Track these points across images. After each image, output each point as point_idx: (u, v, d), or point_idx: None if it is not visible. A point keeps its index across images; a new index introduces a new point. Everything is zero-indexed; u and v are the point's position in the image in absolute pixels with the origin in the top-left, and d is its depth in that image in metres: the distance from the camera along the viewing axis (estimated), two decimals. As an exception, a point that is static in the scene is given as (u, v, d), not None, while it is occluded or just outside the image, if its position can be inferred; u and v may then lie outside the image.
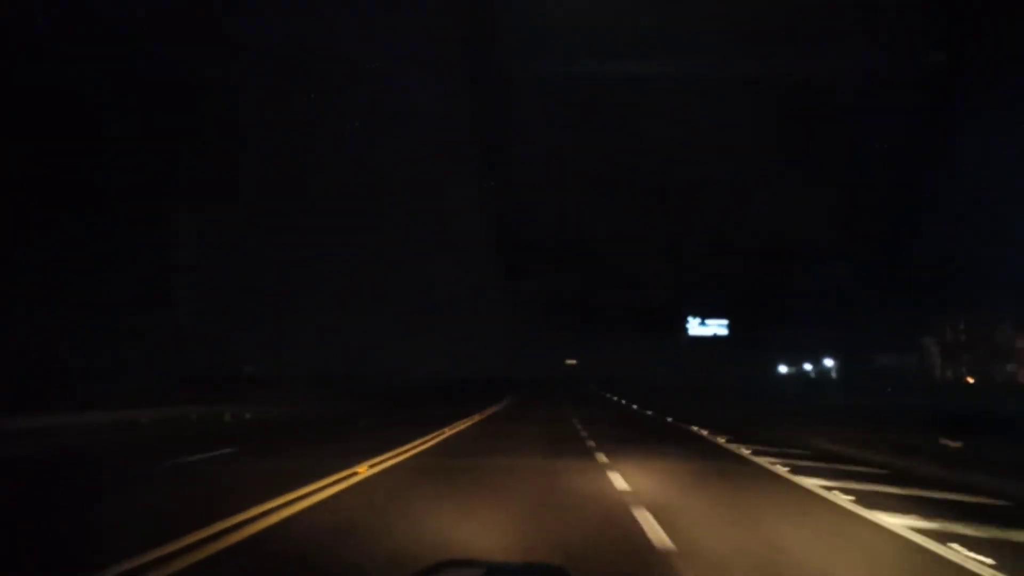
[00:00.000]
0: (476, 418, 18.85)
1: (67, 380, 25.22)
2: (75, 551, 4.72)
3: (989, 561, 4.54)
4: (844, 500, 6.65)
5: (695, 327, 50.23)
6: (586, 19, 22.95)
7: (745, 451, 10.92)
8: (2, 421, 12.95)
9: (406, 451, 10.14)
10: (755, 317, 55.19)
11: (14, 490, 7.38)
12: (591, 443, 12.07)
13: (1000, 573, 4.34)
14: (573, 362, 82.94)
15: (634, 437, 13.65)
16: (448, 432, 13.86)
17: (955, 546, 4.90)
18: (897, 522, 5.66)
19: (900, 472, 8.74)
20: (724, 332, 51.30)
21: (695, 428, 15.74)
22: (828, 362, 54.14)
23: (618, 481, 7.66)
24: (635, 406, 28.01)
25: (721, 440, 12.66)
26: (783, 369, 57.03)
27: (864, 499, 6.63)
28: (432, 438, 12.25)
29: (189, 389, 24.01)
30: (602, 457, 9.90)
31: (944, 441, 11.09)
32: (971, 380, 44.01)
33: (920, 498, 6.78)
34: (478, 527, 5.42)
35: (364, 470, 8.29)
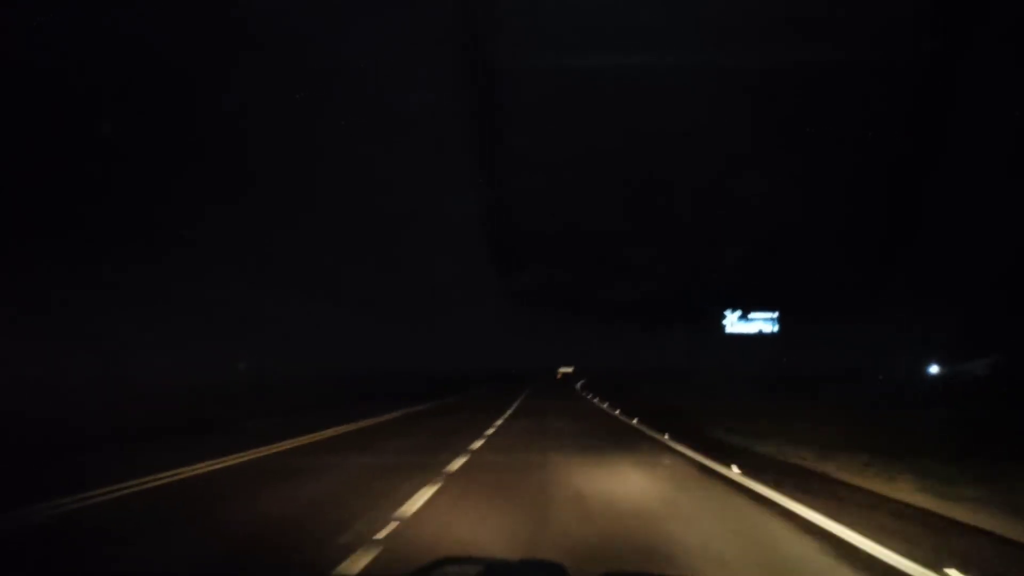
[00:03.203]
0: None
1: None
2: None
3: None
4: None
5: (734, 323, 40.62)
6: (580, 9, 23.32)
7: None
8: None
9: None
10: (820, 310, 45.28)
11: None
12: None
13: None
14: (569, 370, 74.40)
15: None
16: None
17: None
18: None
19: None
20: (772, 328, 41.43)
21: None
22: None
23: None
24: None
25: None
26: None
27: None
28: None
29: None
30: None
31: None
32: None
33: None
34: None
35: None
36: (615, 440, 16.32)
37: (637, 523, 7.16)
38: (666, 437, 16.06)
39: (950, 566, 5.66)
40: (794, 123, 32.69)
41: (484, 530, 6.74)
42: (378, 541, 6.20)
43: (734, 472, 10.37)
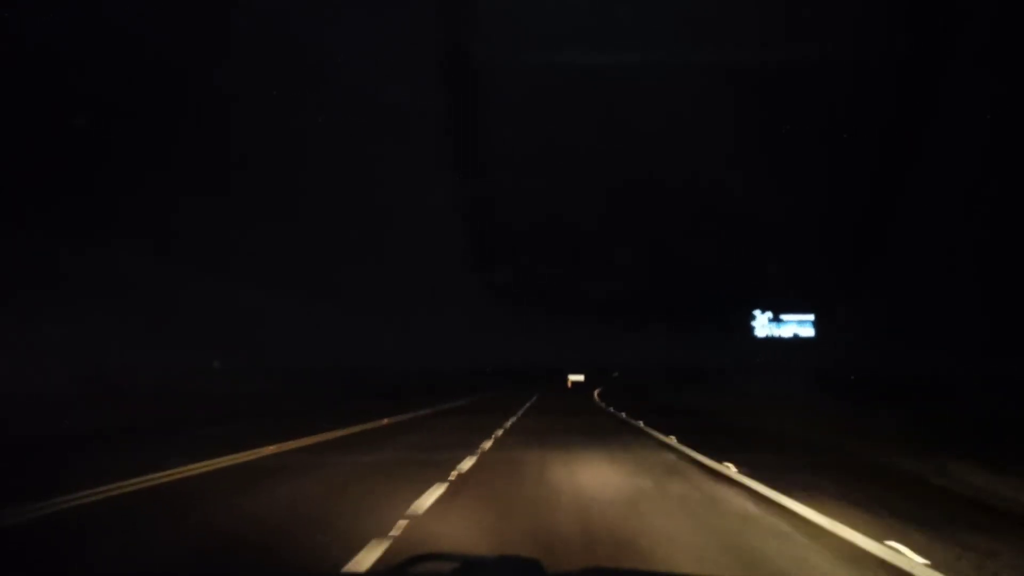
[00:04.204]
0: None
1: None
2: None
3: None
4: None
5: (763, 325, 35.93)
6: (565, 9, 23.33)
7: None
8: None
9: None
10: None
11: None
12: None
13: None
14: (580, 378, 69.41)
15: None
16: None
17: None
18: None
19: None
20: (809, 332, 36.64)
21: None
22: None
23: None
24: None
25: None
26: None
27: None
28: None
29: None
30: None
31: None
32: None
33: None
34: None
35: None
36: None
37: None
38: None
39: None
40: (775, 122, 33.68)
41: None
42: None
43: None
